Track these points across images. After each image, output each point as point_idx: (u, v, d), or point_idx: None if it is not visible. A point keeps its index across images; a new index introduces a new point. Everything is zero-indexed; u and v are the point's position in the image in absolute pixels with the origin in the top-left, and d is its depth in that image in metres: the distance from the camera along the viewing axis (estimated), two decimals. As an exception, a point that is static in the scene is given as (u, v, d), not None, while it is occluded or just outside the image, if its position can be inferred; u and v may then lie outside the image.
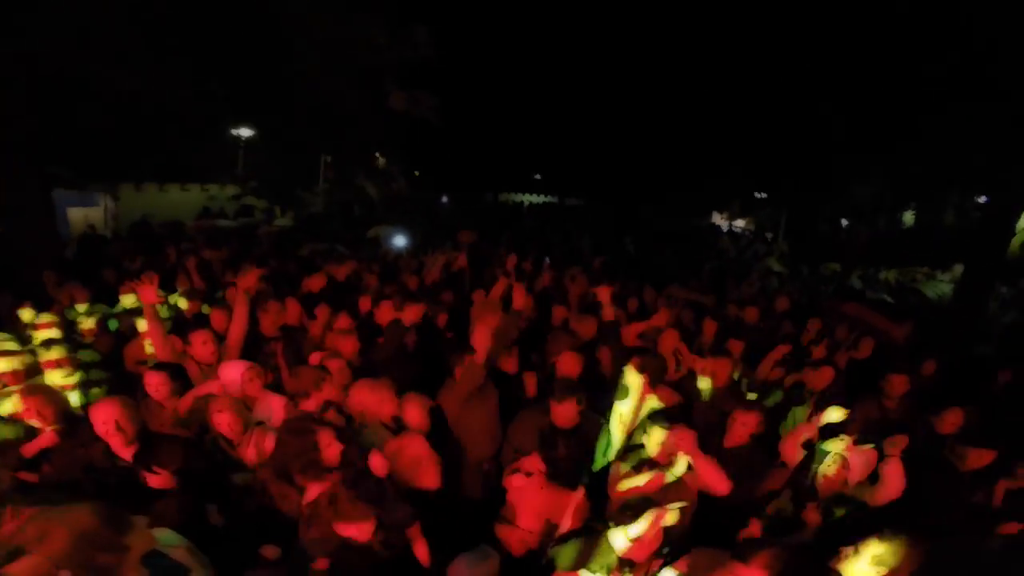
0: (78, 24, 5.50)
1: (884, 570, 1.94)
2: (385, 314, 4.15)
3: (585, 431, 2.98)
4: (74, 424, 2.74)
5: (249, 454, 2.65)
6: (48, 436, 2.62)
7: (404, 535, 2.34)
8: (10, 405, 2.88)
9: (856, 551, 1.98)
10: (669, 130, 28.72)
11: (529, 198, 39.10)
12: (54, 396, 2.83)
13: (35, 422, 2.66)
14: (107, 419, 2.30)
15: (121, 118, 8.42)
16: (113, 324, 4.68)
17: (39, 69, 6.04)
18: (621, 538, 2.07)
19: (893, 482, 2.64)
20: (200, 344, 3.27)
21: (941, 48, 9.58)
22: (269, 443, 2.59)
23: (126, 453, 2.33)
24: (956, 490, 2.98)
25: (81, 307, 4.68)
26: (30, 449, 2.59)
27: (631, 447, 2.92)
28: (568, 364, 3.41)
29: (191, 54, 6.18)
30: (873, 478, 2.69)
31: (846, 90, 13.31)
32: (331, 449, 2.30)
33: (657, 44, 29.11)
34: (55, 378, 3.23)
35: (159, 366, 2.97)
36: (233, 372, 2.94)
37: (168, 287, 5.19)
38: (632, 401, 3.25)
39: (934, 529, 1.98)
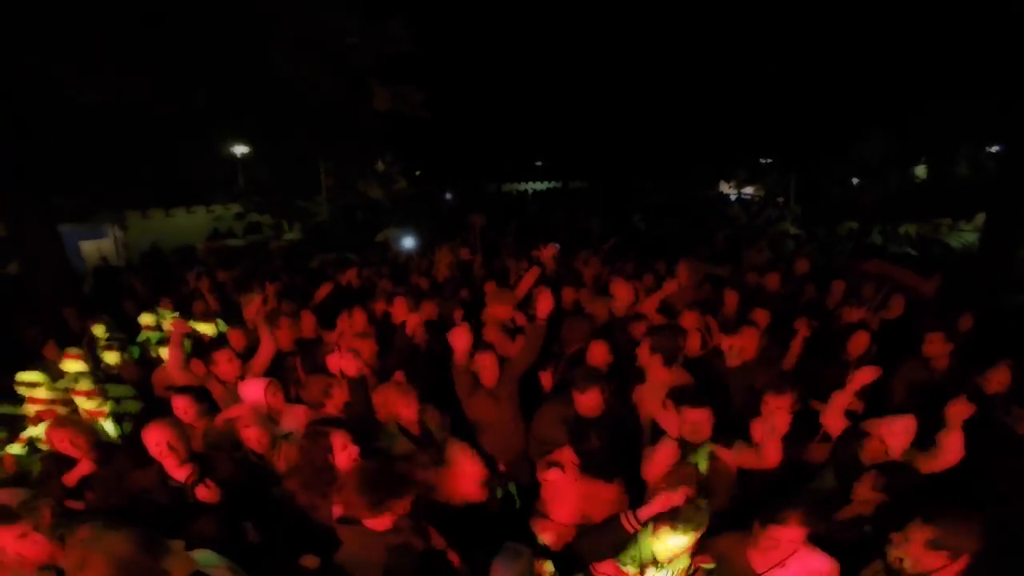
0: (42, 31, 5.41)
1: (944, 553, 1.80)
2: (399, 313, 4.12)
3: (614, 419, 2.89)
4: (110, 453, 2.81)
5: (280, 466, 2.68)
6: (86, 464, 2.68)
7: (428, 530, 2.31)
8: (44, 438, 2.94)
9: (905, 537, 1.87)
10: (669, 99, 28.22)
11: (533, 186, 38.87)
12: (84, 426, 2.89)
13: (70, 453, 2.72)
14: (159, 440, 2.34)
15: (113, 143, 8.42)
16: (135, 352, 4.73)
17: (23, 93, 6.02)
18: (662, 546, 2.01)
19: (951, 451, 2.49)
20: (225, 362, 3.30)
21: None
22: (294, 453, 2.58)
23: (180, 473, 2.37)
24: (1015, 455, 2.81)
25: (101, 337, 4.72)
26: (71, 478, 2.67)
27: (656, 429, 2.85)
28: (598, 354, 3.35)
29: (166, 63, 6.08)
30: (926, 445, 2.55)
31: (848, 48, 12.93)
32: (346, 452, 2.31)
33: (654, 9, 28.53)
34: (87, 408, 3.29)
35: (183, 389, 2.99)
36: (255, 389, 2.95)
37: (185, 312, 5.24)
38: (650, 382, 3.19)
39: (994, 498, 1.85)
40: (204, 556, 1.80)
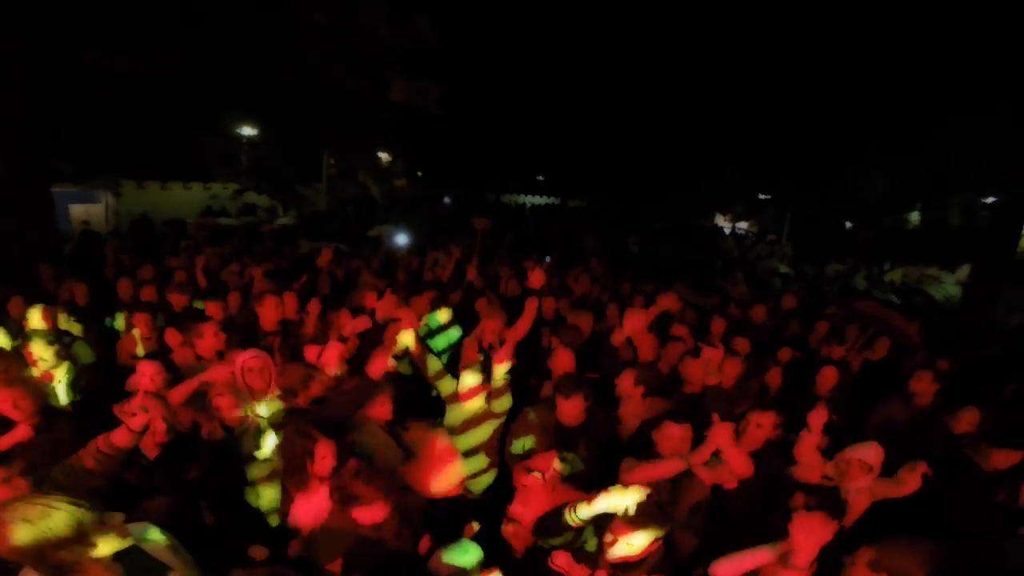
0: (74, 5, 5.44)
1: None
2: (387, 309, 4.06)
3: (595, 430, 2.88)
4: (52, 419, 2.66)
5: (246, 443, 2.62)
6: (23, 430, 2.53)
7: (417, 524, 2.30)
8: None
9: (853, 560, 1.91)
10: (672, 129, 28.65)
11: (532, 199, 39.05)
12: (34, 388, 2.71)
13: (11, 415, 2.55)
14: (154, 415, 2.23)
15: (123, 113, 8.38)
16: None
17: (37, 55, 5.99)
18: (621, 545, 2.00)
19: (910, 484, 2.54)
20: (211, 335, 3.23)
21: (944, 53, 9.50)
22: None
23: (152, 450, 2.33)
24: (980, 491, 2.90)
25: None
26: (4, 443, 2.49)
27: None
28: (563, 361, 3.34)
29: (190, 41, 6.11)
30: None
31: (849, 90, 13.22)
32: (325, 461, 2.28)
33: (660, 44, 29.06)
34: (40, 368, 3.16)
35: (152, 356, 2.89)
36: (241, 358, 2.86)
37: (164, 283, 5.13)
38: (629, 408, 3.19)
39: (959, 531, 1.87)
40: (146, 531, 1.73)
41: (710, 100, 25.74)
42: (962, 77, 9.42)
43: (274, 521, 2.62)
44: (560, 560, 2.16)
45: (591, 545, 2.17)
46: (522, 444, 2.85)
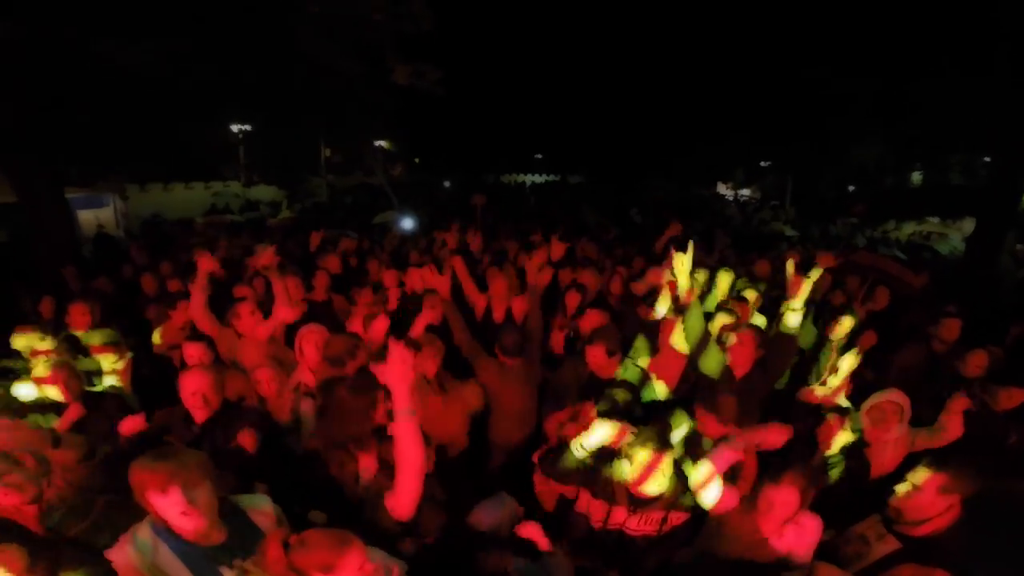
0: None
1: (949, 497, 1.95)
2: (415, 281, 4.19)
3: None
4: (97, 399, 2.85)
5: (284, 416, 2.75)
6: (75, 409, 2.69)
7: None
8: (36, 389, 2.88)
9: (915, 485, 2.01)
10: (671, 98, 28.29)
11: (531, 178, 38.88)
12: (78, 373, 2.90)
13: (59, 395, 2.73)
14: (196, 390, 2.39)
15: (121, 112, 8.39)
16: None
17: (45, 54, 6.02)
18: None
19: (952, 431, 2.72)
20: (248, 314, 3.31)
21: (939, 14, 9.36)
22: (307, 407, 2.67)
23: (201, 417, 2.45)
24: (990, 432, 3.01)
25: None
26: (62, 423, 2.66)
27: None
28: (592, 319, 3.46)
29: (188, 33, 6.11)
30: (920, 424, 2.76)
31: (845, 53, 13.04)
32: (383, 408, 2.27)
33: (657, 15, 28.55)
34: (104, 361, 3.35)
35: (197, 336, 3.05)
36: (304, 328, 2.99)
37: (184, 279, 5.28)
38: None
39: (976, 467, 2.01)
40: (256, 499, 1.87)
41: (706, 69, 25.35)
42: (949, 40, 9.32)
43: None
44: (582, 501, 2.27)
45: (617, 472, 2.22)
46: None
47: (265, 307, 3.47)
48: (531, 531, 2.02)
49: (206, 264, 3.16)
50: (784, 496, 1.98)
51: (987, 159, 16.65)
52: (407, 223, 10.75)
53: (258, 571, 1.55)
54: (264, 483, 2.46)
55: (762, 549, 2.05)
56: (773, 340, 2.91)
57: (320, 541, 1.44)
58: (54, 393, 2.72)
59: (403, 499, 1.91)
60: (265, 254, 3.31)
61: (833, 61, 12.84)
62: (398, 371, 1.81)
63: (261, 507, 1.83)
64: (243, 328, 3.30)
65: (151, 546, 1.58)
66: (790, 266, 2.84)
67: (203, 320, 3.21)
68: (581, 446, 2.17)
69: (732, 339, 2.87)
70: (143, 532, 1.60)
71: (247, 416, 2.73)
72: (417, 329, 3.09)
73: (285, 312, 3.22)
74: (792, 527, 2.04)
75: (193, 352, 2.96)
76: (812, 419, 2.79)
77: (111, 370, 3.44)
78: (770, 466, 2.11)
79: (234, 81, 7.48)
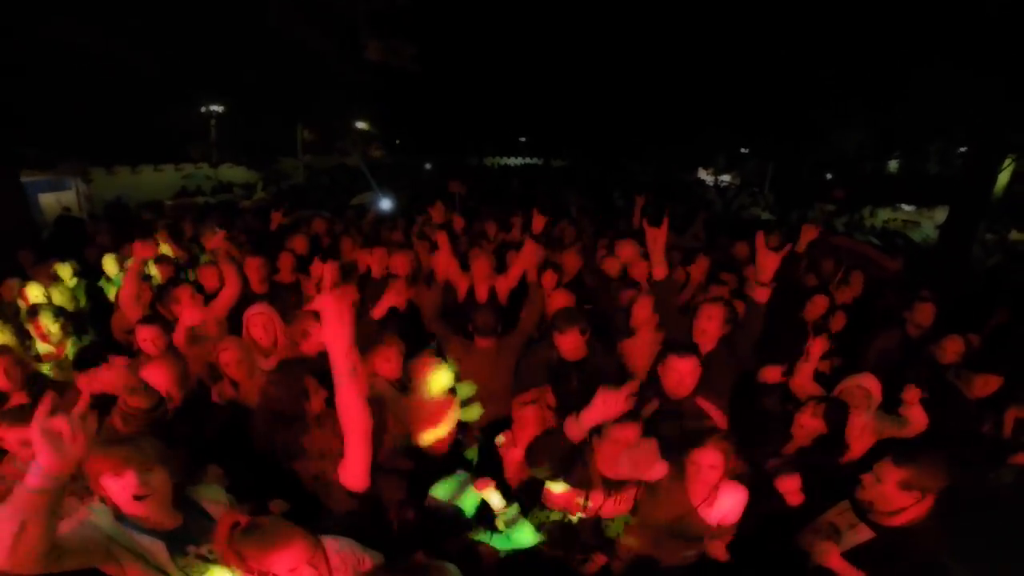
0: None
1: (914, 492, 1.90)
2: (375, 263, 4.08)
3: (595, 364, 2.90)
4: (41, 389, 2.68)
5: (252, 398, 2.63)
6: (18, 398, 2.59)
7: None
8: None
9: (877, 478, 1.95)
10: (654, 83, 28.15)
11: (514, 161, 38.58)
12: (21, 359, 2.78)
13: (3, 385, 2.61)
14: (158, 385, 2.30)
15: (84, 93, 8.02)
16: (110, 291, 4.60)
17: None
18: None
19: (919, 420, 2.67)
20: (187, 298, 3.19)
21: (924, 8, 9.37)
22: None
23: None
24: (965, 420, 3.02)
25: (65, 278, 4.57)
26: None
27: None
28: (559, 300, 3.39)
29: (149, 10, 5.83)
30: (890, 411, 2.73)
31: (827, 41, 13.06)
32: (318, 395, 2.22)
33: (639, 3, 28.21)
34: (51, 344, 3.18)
35: (151, 319, 2.89)
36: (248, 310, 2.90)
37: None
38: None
39: (944, 460, 1.98)
40: (208, 489, 1.85)
41: (689, 56, 25.22)
42: (926, 31, 9.37)
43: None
44: (558, 498, 2.20)
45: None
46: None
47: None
48: (485, 488, 2.02)
49: (142, 251, 3.09)
50: (709, 458, 1.99)
51: (963, 149, 17.01)
52: (385, 204, 10.52)
53: (215, 554, 1.56)
54: (219, 466, 2.40)
55: (693, 518, 2.07)
56: (742, 318, 2.85)
57: (260, 530, 1.40)
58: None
59: (353, 467, 1.86)
60: (215, 237, 3.20)
61: (817, 49, 12.87)
62: (331, 330, 1.73)
63: (215, 498, 1.82)
64: (185, 317, 3.16)
65: (111, 517, 1.55)
66: (759, 240, 2.73)
67: (130, 309, 3.10)
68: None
69: (700, 313, 2.80)
70: (97, 506, 1.57)
71: (213, 404, 2.64)
72: (379, 311, 2.98)
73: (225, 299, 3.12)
74: (720, 496, 2.05)
75: (146, 335, 2.80)
76: (783, 404, 2.78)
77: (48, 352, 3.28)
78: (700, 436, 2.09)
79: (201, 61, 7.16)
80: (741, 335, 2.74)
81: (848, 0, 11.76)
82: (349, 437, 1.84)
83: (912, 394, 2.67)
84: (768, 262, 2.63)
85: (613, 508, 2.18)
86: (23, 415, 1.90)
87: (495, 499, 2.08)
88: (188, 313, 3.00)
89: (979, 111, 9.14)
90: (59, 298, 4.01)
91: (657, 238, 2.82)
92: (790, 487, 2.25)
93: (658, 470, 2.12)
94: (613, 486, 2.15)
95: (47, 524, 1.23)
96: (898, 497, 1.91)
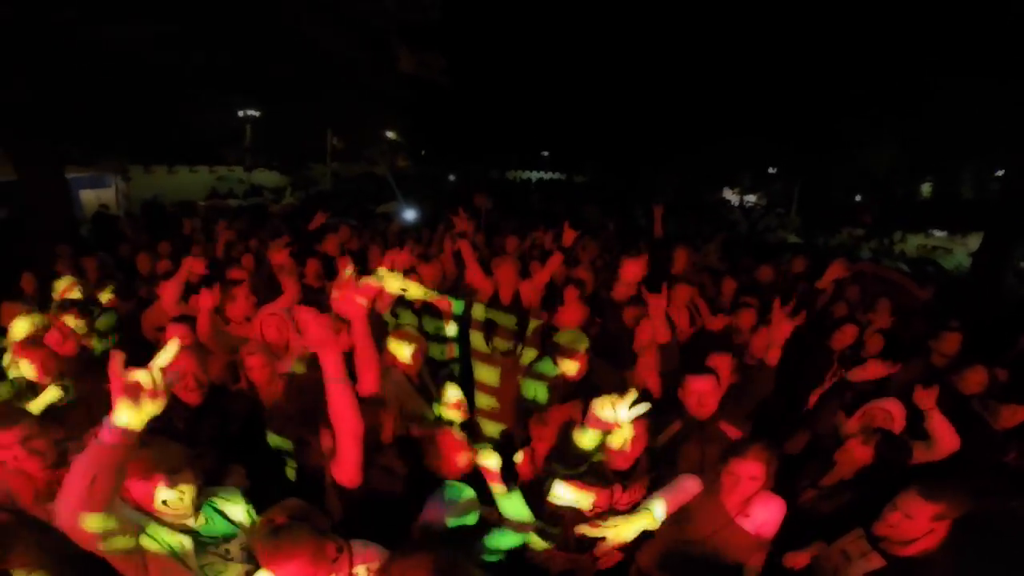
0: None
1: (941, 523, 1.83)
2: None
3: (596, 382, 2.90)
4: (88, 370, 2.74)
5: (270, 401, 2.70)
6: (54, 391, 2.62)
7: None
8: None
9: (907, 514, 1.85)
10: (679, 100, 28.08)
11: (536, 175, 38.77)
12: (55, 352, 2.81)
13: (39, 379, 2.66)
14: (185, 370, 2.36)
15: (125, 94, 8.35)
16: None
17: (41, 35, 5.98)
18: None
19: (945, 435, 2.62)
20: (242, 298, 3.29)
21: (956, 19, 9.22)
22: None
23: (192, 399, 2.42)
24: (990, 449, 2.94)
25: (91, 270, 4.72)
26: (37, 405, 2.57)
27: None
28: (572, 313, 3.40)
29: (188, 14, 6.07)
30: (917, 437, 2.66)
31: (858, 55, 12.89)
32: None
33: (668, 12, 28.34)
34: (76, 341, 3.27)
35: (182, 318, 2.98)
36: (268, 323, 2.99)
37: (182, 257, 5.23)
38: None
39: (970, 490, 1.91)
40: (227, 491, 1.89)
41: (716, 71, 25.16)
42: (962, 41, 9.18)
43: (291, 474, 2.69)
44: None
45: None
46: (533, 391, 2.94)
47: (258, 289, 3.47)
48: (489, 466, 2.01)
49: (193, 266, 3.27)
50: (749, 469, 1.93)
51: (999, 172, 16.50)
52: (409, 214, 10.70)
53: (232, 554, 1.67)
54: (242, 466, 2.45)
55: (729, 531, 2.00)
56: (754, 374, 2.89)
57: (274, 535, 1.44)
58: (29, 371, 2.65)
59: (345, 464, 1.92)
60: (280, 253, 3.34)
61: (849, 62, 12.72)
62: (318, 338, 1.78)
63: (232, 499, 1.87)
64: (232, 313, 3.26)
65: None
66: (777, 307, 2.81)
67: (172, 308, 3.21)
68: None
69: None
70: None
71: (236, 402, 2.70)
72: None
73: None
74: (758, 507, 1.98)
75: (179, 332, 2.88)
76: (832, 438, 2.73)
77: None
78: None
79: (239, 67, 7.43)
80: (747, 395, 2.78)
81: (869, 9, 11.63)
82: (340, 438, 1.90)
83: (927, 400, 2.61)
84: (783, 330, 2.71)
85: (630, 499, 2.16)
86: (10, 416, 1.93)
87: (492, 462, 2.03)
88: (240, 310, 3.12)
89: (1011, 124, 8.89)
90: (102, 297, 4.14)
91: (658, 305, 2.92)
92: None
93: (690, 487, 2.06)
94: (627, 477, 2.14)
95: (116, 479, 1.31)
96: (925, 528, 1.84)
